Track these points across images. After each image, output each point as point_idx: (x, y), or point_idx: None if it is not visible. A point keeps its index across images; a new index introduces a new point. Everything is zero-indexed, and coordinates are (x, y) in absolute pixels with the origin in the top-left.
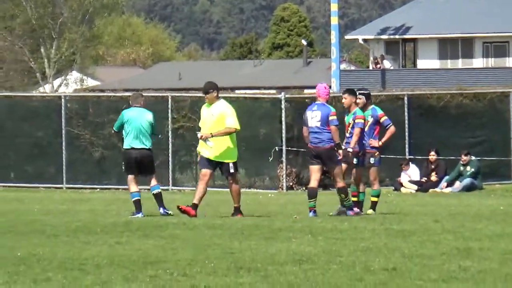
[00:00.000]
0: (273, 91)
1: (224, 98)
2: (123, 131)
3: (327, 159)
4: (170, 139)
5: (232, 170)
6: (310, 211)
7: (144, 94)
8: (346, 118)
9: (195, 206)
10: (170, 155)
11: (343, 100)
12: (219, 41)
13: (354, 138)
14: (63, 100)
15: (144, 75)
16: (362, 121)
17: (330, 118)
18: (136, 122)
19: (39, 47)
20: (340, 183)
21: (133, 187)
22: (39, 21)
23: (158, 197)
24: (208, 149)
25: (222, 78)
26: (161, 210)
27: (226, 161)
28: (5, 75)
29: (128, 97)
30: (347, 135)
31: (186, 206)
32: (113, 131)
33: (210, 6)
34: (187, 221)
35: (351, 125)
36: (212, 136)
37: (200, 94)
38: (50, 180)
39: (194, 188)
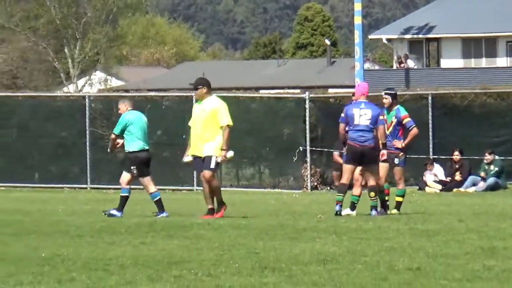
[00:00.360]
0: (297, 91)
1: (248, 98)
2: (127, 134)
3: (370, 157)
4: None
5: (212, 166)
6: (337, 204)
7: (168, 94)
8: None
9: (212, 211)
10: None
11: None
12: (243, 41)
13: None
14: (87, 100)
15: (168, 75)
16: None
17: (381, 118)
18: (139, 123)
19: (63, 47)
20: (373, 182)
21: (152, 188)
22: (63, 21)
23: (124, 200)
24: (199, 148)
25: (246, 78)
26: (114, 211)
27: (210, 154)
28: (29, 75)
29: (153, 97)
30: None
31: (205, 215)
32: (114, 135)
33: (234, 6)
34: (211, 221)
35: None
36: (227, 150)
37: (225, 94)
38: (74, 181)
39: None
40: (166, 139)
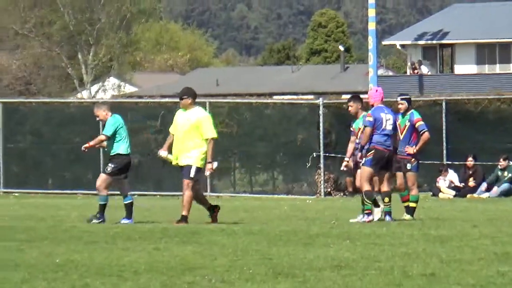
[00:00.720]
0: (311, 97)
1: (262, 104)
2: (117, 137)
3: (392, 162)
4: None
5: (191, 175)
6: (369, 214)
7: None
8: (353, 124)
9: (212, 208)
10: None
11: (349, 108)
12: (257, 47)
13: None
14: None
15: (182, 81)
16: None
17: (397, 123)
18: (126, 127)
19: (77, 53)
20: (388, 187)
21: (106, 191)
22: (77, 27)
23: (130, 206)
24: (181, 157)
25: (260, 84)
26: (124, 220)
27: (190, 164)
28: (43, 81)
29: (167, 103)
30: (357, 141)
31: (212, 221)
32: (105, 137)
33: (248, 12)
34: (225, 227)
35: (361, 130)
36: (212, 161)
37: (238, 100)
38: (87, 187)
39: (233, 194)
40: None
